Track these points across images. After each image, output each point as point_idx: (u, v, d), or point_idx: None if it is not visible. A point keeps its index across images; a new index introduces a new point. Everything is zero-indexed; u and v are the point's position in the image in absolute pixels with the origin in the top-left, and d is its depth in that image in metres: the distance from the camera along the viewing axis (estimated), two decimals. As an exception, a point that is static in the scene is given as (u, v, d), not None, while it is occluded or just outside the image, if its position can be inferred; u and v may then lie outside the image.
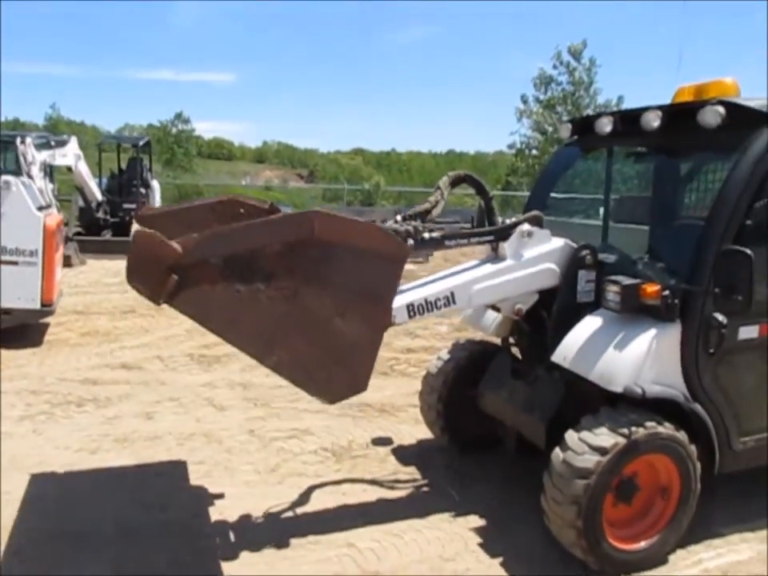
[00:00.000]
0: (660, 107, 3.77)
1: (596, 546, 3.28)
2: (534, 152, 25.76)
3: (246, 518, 3.88)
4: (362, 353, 2.94)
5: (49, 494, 4.19)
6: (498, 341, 4.52)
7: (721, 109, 3.42)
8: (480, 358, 4.59)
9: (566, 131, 4.52)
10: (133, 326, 8.72)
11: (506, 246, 3.69)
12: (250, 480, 4.39)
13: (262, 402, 5.86)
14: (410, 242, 3.41)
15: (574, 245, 3.79)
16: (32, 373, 6.56)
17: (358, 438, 5.09)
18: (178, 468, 4.54)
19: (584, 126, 4.40)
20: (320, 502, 4.10)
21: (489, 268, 3.65)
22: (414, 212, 3.64)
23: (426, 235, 3.50)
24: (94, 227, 15.79)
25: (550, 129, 23.64)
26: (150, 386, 6.25)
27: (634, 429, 3.23)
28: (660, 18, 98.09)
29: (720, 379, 3.52)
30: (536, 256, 3.71)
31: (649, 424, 3.27)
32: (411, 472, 4.54)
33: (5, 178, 7.32)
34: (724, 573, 3.50)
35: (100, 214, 15.98)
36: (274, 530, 3.77)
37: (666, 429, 3.31)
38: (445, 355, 4.75)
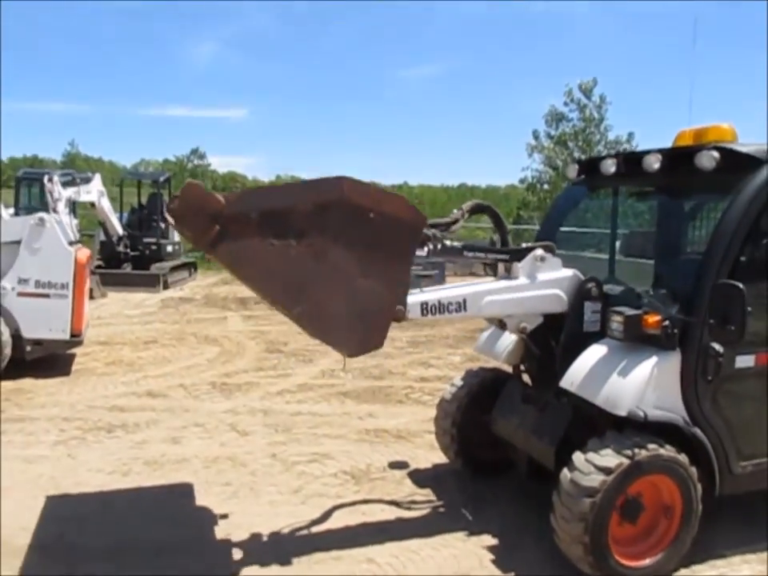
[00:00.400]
0: (660, 150, 4.06)
1: (603, 562, 3.48)
2: (546, 186, 26.09)
3: (272, 535, 4.11)
4: (380, 311, 3.15)
5: (84, 512, 4.44)
6: (508, 368, 4.77)
7: (716, 153, 3.70)
8: (492, 384, 4.83)
9: (573, 172, 4.81)
10: (155, 356, 9.03)
11: (519, 266, 3.94)
12: (274, 500, 4.62)
13: (282, 428, 6.11)
14: (432, 246, 3.67)
15: (582, 276, 4.04)
16: (63, 400, 6.86)
17: (375, 462, 5.31)
18: (206, 488, 4.78)
19: (590, 167, 4.69)
20: (341, 520, 4.32)
21: (501, 283, 3.91)
22: (436, 222, 3.83)
23: (448, 242, 3.77)
24: (115, 261, 16.26)
25: (561, 164, 24.02)
26: (175, 413, 6.52)
27: (636, 450, 3.46)
28: (670, 55, 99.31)
29: (719, 405, 3.74)
30: (546, 280, 3.95)
31: (651, 446, 3.49)
32: (427, 494, 4.75)
33: (40, 215, 7.72)
34: (726, 591, 3.69)
35: (120, 248, 16.47)
36: (298, 546, 3.98)
37: (668, 451, 3.53)
38: (458, 382, 4.99)
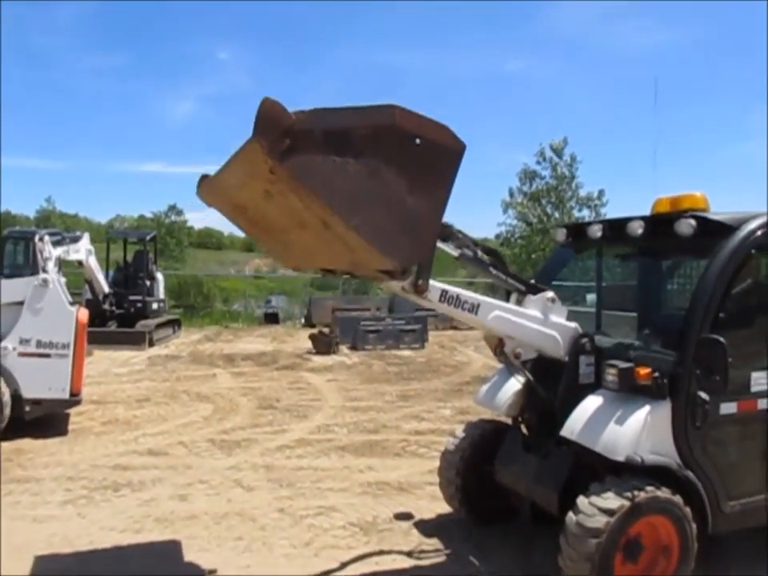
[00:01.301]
0: (642, 217, 4.50)
1: (609, 601, 3.72)
2: (520, 241, 26.82)
3: (291, 586, 4.28)
4: (426, 226, 3.45)
5: (99, 567, 4.56)
6: (506, 420, 5.05)
7: (693, 221, 4.12)
8: (492, 435, 5.10)
9: (561, 235, 5.22)
10: (150, 414, 9.14)
11: (532, 299, 4.28)
12: (288, 553, 4.77)
13: (286, 483, 6.26)
14: (469, 252, 4.05)
15: (581, 331, 4.38)
16: (65, 460, 6.94)
17: (381, 514, 5.49)
18: (219, 543, 4.92)
19: (577, 231, 5.11)
20: (357, 571, 4.50)
21: (513, 307, 4.26)
22: (462, 231, 4.18)
23: (479, 254, 4.14)
24: (100, 319, 16.27)
25: (535, 220, 24.85)
26: (178, 471, 6.64)
27: (636, 493, 3.74)
28: (636, 113, 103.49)
29: (707, 449, 4.06)
30: (550, 321, 4.28)
31: (649, 488, 3.78)
32: (434, 543, 4.95)
33: (43, 276, 7.94)
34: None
35: (106, 306, 16.54)
36: (317, 596, 4.16)
37: (664, 493, 3.82)
38: (460, 433, 5.25)
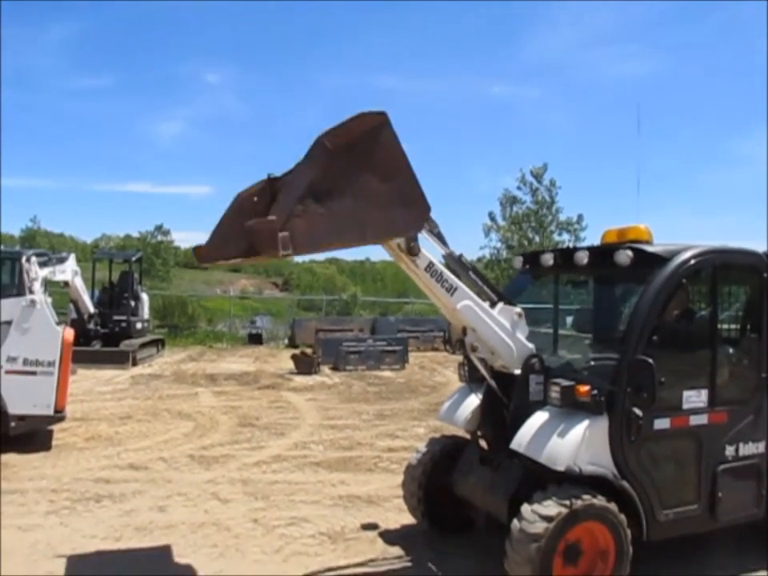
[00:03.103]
0: (588, 247, 4.92)
1: (551, 601, 4.06)
2: (504, 264, 27.28)
3: (259, 589, 4.58)
4: (412, 190, 4.03)
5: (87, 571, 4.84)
6: (466, 435, 5.41)
7: (630, 252, 4.54)
8: (453, 449, 5.46)
9: (518, 263, 5.64)
10: (132, 431, 9.39)
11: (503, 308, 4.65)
12: (258, 559, 5.08)
13: (261, 496, 6.57)
14: (454, 253, 4.55)
15: (535, 352, 4.74)
16: (48, 474, 7.20)
17: (349, 524, 5.82)
18: (194, 550, 5.22)
19: (533, 260, 5.52)
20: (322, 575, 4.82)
21: (486, 306, 4.60)
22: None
23: (463, 257, 4.63)
24: (85, 338, 16.48)
25: (516, 243, 25.38)
26: (157, 484, 6.92)
27: (573, 500, 4.10)
28: (617, 139, 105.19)
29: (642, 461, 4.43)
30: (513, 334, 4.65)
31: (585, 497, 4.15)
32: (397, 551, 5.28)
33: (31, 297, 8.24)
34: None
35: (91, 326, 16.75)
36: (284, 598, 4.46)
37: (600, 501, 4.18)
38: (423, 449, 5.60)
